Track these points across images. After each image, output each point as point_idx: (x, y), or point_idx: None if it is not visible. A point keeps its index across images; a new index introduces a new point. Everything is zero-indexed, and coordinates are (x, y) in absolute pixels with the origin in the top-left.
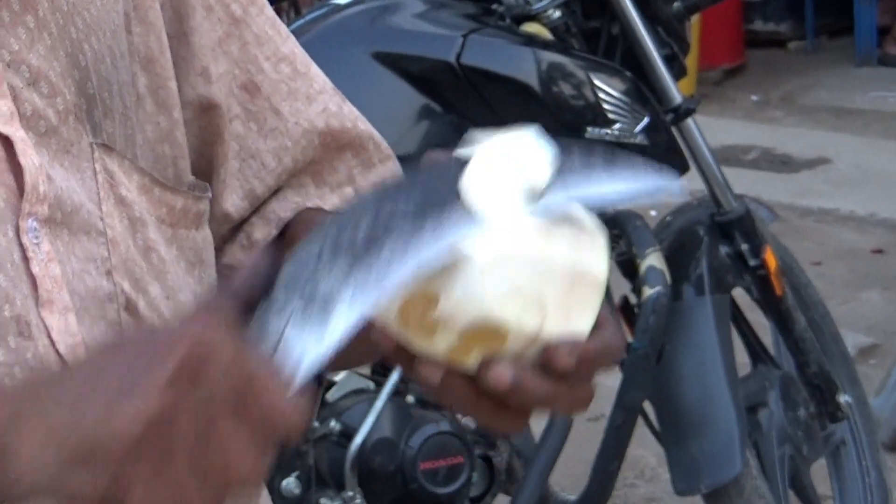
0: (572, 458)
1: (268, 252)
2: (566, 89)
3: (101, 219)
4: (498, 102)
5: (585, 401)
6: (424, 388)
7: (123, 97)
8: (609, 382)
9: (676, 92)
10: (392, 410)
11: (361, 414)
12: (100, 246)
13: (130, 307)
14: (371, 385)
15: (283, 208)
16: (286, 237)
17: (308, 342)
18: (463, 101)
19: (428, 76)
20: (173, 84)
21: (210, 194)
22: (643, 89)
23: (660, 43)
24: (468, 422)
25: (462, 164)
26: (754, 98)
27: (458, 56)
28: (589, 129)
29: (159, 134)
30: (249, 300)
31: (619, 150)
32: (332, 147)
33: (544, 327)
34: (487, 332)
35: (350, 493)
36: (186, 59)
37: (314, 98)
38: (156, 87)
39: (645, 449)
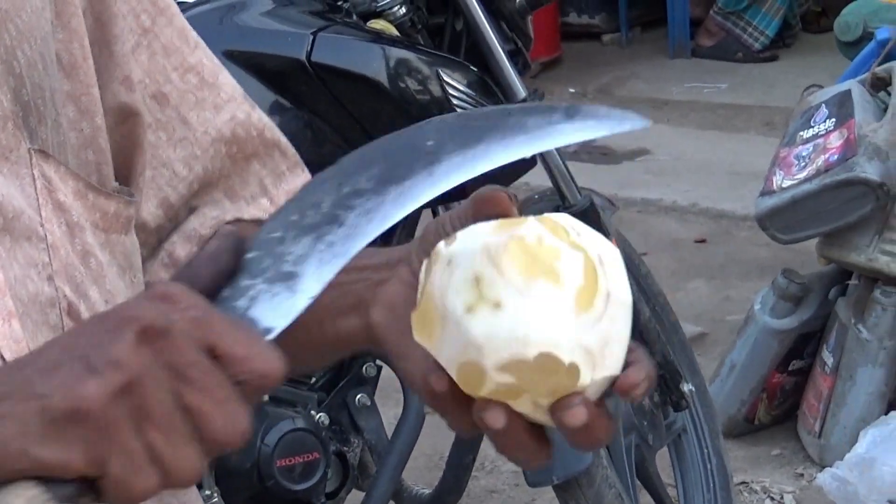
0: (423, 451)
1: (225, 239)
2: (415, 85)
3: (41, 224)
4: (348, 99)
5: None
6: (487, 432)
7: (55, 103)
8: None
9: (521, 86)
10: None
11: None
12: (41, 251)
13: (72, 312)
14: None
15: (203, 225)
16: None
17: (276, 314)
18: (314, 98)
19: (279, 74)
20: (96, 91)
21: (137, 199)
22: (490, 84)
23: (503, 38)
24: (322, 418)
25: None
26: (571, 90)
27: (309, 54)
28: None
29: (83, 140)
30: (207, 290)
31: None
32: (239, 157)
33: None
34: (547, 369)
35: (207, 492)
36: (109, 67)
37: (222, 107)
38: (79, 93)
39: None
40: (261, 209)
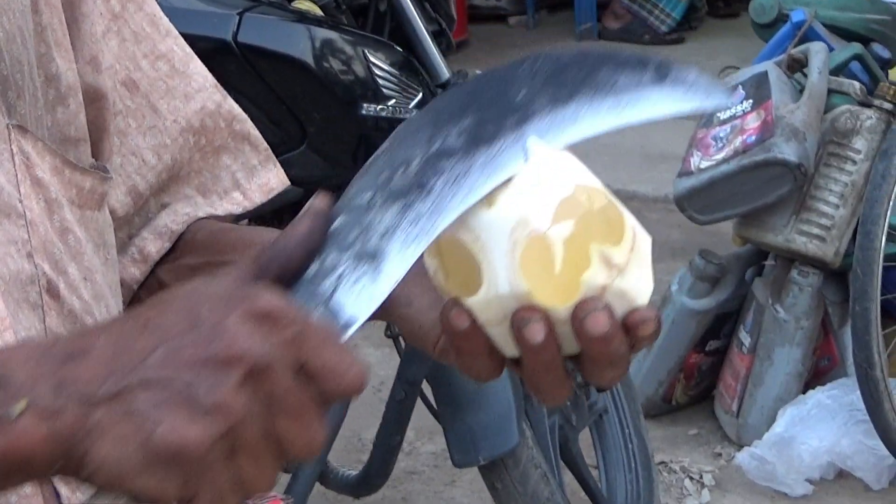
0: (342, 433)
1: (317, 218)
2: (340, 65)
3: (20, 201)
4: (274, 79)
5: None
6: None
7: (33, 77)
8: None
9: (445, 67)
10: None
11: None
12: (20, 228)
13: (51, 289)
14: None
15: (175, 221)
16: (179, 249)
17: (359, 302)
18: (240, 78)
19: (205, 55)
20: (74, 67)
21: (112, 175)
22: (416, 65)
23: (427, 19)
24: None
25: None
26: (478, 73)
27: (235, 34)
28: (365, 105)
29: (68, 116)
30: (299, 268)
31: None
32: (208, 150)
33: (614, 283)
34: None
35: None
36: (77, 45)
37: (192, 96)
38: (65, 68)
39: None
40: (234, 203)
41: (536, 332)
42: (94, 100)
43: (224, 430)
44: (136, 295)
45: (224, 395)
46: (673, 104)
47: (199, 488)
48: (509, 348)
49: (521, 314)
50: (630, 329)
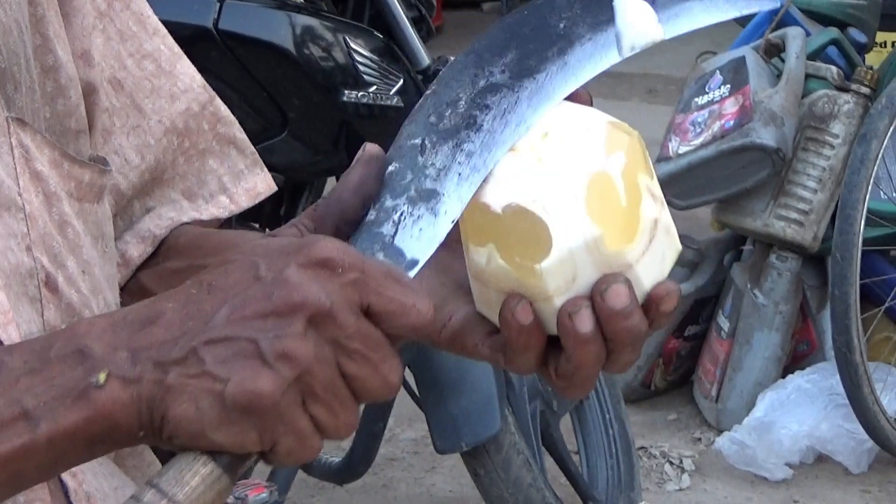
0: None
1: (369, 164)
2: (322, 52)
3: (20, 194)
4: (255, 66)
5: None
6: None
7: (30, 70)
8: None
9: (425, 54)
10: None
11: None
12: (19, 222)
13: (50, 283)
14: None
15: (158, 226)
16: (161, 253)
17: (420, 243)
18: (221, 65)
19: (186, 41)
20: (72, 59)
21: (111, 168)
22: (396, 51)
23: (407, 5)
24: None
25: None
26: (453, 59)
27: (216, 21)
28: (346, 91)
29: (69, 107)
30: (357, 216)
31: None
32: (192, 153)
33: (661, 216)
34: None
35: None
36: (69, 39)
37: (178, 97)
38: (65, 60)
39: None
40: (220, 207)
41: (585, 321)
42: (86, 94)
43: (293, 377)
44: (121, 299)
45: (289, 343)
46: (718, 11)
47: (278, 437)
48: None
49: (571, 303)
50: (653, 303)
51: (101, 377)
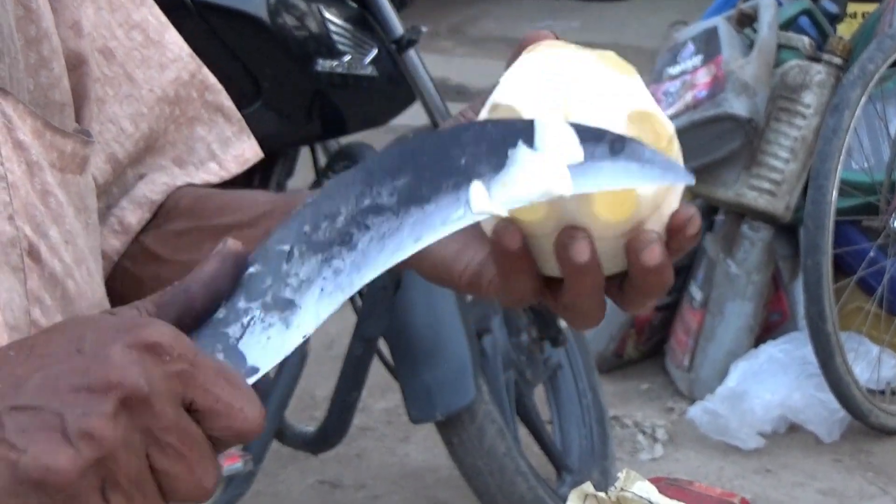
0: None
1: (225, 261)
2: (296, 22)
3: (2, 163)
4: (229, 36)
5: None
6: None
7: (14, 40)
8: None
9: (398, 23)
10: None
11: None
12: (1, 190)
13: (32, 252)
14: None
15: (153, 191)
16: (163, 216)
17: (265, 352)
18: (195, 36)
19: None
20: (56, 31)
21: (94, 139)
22: (370, 20)
23: None
24: None
25: (453, 136)
26: (424, 29)
27: None
28: (319, 61)
29: (52, 79)
30: (203, 312)
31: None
32: (182, 121)
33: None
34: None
35: None
36: (58, 10)
37: (167, 66)
38: (50, 32)
39: None
40: (210, 173)
41: (581, 252)
42: (76, 65)
43: (94, 459)
44: (121, 266)
45: (95, 422)
46: (626, 178)
47: None
48: (550, 266)
49: (566, 233)
50: (676, 231)
51: None
